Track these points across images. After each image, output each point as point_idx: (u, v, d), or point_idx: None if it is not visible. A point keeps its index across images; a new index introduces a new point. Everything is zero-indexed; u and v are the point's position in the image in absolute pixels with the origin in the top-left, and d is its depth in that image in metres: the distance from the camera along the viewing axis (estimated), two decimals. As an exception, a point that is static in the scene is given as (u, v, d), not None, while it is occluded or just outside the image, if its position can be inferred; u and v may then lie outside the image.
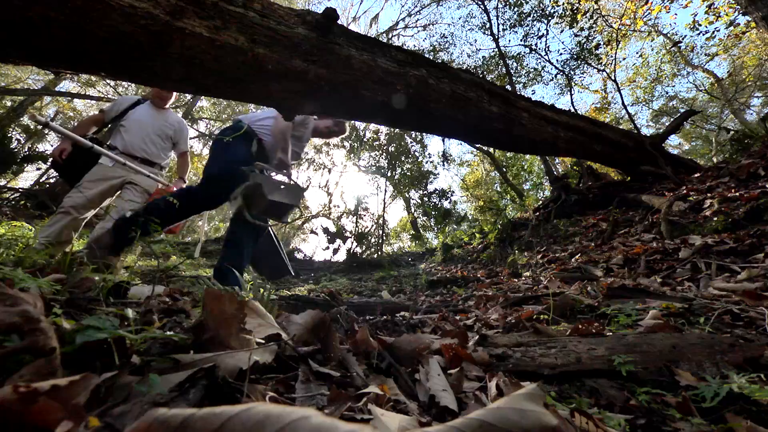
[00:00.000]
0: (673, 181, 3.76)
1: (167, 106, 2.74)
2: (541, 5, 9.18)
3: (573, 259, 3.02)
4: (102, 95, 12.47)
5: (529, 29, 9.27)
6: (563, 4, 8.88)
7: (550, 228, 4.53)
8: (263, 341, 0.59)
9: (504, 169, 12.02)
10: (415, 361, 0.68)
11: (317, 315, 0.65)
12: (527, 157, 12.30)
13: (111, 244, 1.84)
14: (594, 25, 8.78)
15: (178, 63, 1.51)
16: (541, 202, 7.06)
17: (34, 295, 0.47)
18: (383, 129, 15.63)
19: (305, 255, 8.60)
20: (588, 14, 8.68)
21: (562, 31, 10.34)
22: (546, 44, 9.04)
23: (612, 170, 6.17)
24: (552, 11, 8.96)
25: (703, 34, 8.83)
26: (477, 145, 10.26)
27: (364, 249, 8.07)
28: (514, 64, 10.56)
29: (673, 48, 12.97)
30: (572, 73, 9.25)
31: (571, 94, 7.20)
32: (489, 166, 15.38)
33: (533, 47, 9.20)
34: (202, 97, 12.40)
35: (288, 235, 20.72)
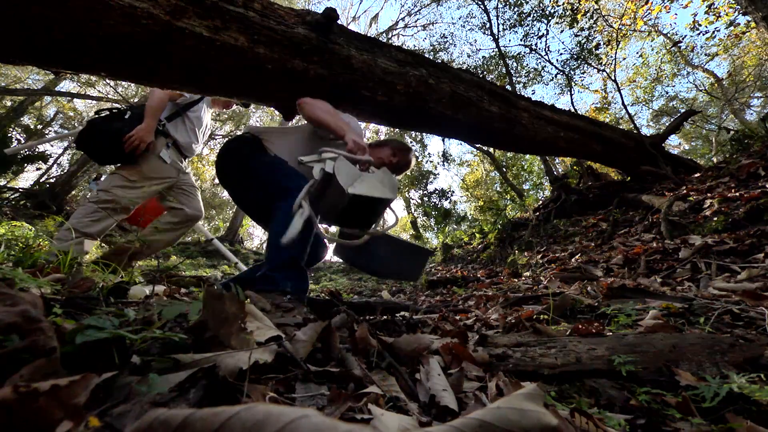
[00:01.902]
0: (673, 181, 3.76)
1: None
2: (541, 5, 9.18)
3: (573, 259, 3.02)
4: (102, 95, 12.48)
5: (529, 29, 9.27)
6: (563, 4, 8.89)
7: (550, 228, 4.53)
8: (263, 342, 0.59)
9: (504, 169, 12.03)
10: (416, 361, 0.68)
11: (319, 326, 0.65)
12: (527, 157, 12.31)
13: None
14: (594, 25, 8.78)
15: (178, 63, 1.51)
16: (541, 202, 7.06)
17: (34, 295, 0.47)
18: (383, 129, 15.66)
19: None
20: (588, 14, 8.68)
21: (562, 31, 10.36)
22: (546, 44, 9.05)
23: (612, 170, 6.17)
24: (552, 11, 8.96)
25: (703, 34, 8.84)
26: (477, 145, 10.26)
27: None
28: (514, 64, 10.57)
29: (673, 48, 12.98)
30: (572, 73, 9.24)
31: (571, 94, 7.21)
32: (489, 166, 15.39)
33: (533, 47, 9.20)
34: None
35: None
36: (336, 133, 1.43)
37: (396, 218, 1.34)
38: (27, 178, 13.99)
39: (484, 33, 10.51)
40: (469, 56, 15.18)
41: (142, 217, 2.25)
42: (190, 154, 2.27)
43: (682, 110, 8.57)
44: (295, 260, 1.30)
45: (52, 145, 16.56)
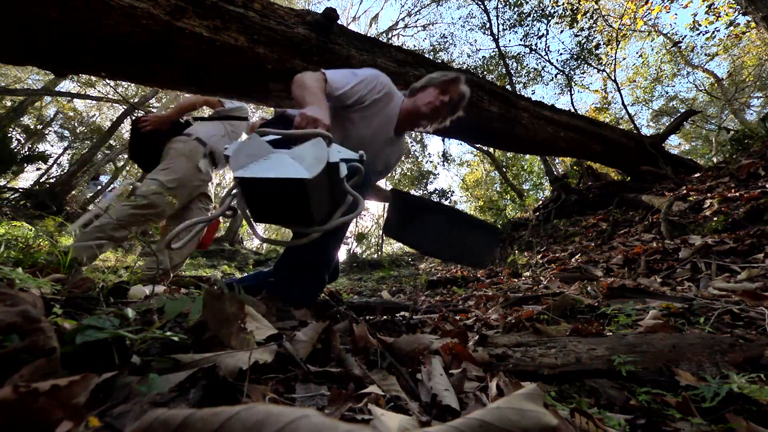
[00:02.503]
0: (673, 181, 3.76)
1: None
2: (541, 5, 9.19)
3: (573, 259, 3.02)
4: (102, 95, 12.48)
5: (529, 29, 9.28)
6: (563, 4, 8.89)
7: (550, 228, 4.53)
8: (263, 341, 0.59)
9: (504, 169, 12.03)
10: (416, 361, 0.68)
11: (320, 327, 0.65)
12: (527, 157, 12.31)
13: None
14: (594, 25, 8.79)
15: (178, 63, 1.51)
16: (541, 202, 7.06)
17: (34, 295, 0.47)
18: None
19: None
20: (588, 14, 8.69)
21: (562, 31, 10.36)
22: (546, 44, 9.06)
23: (612, 170, 6.17)
24: (552, 11, 8.97)
25: (703, 34, 8.84)
26: (477, 145, 10.27)
27: (364, 249, 8.06)
28: (514, 64, 10.57)
29: (673, 48, 12.98)
30: (572, 73, 9.25)
31: (571, 94, 7.21)
32: (489, 166, 15.39)
33: (533, 47, 9.21)
34: (202, 97, 12.42)
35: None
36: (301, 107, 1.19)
37: (357, 205, 0.91)
38: (27, 178, 14.00)
39: (484, 33, 10.52)
40: (469, 56, 15.19)
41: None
42: (222, 166, 2.21)
43: (682, 110, 8.58)
44: (308, 264, 1.18)
45: (52, 145, 16.58)
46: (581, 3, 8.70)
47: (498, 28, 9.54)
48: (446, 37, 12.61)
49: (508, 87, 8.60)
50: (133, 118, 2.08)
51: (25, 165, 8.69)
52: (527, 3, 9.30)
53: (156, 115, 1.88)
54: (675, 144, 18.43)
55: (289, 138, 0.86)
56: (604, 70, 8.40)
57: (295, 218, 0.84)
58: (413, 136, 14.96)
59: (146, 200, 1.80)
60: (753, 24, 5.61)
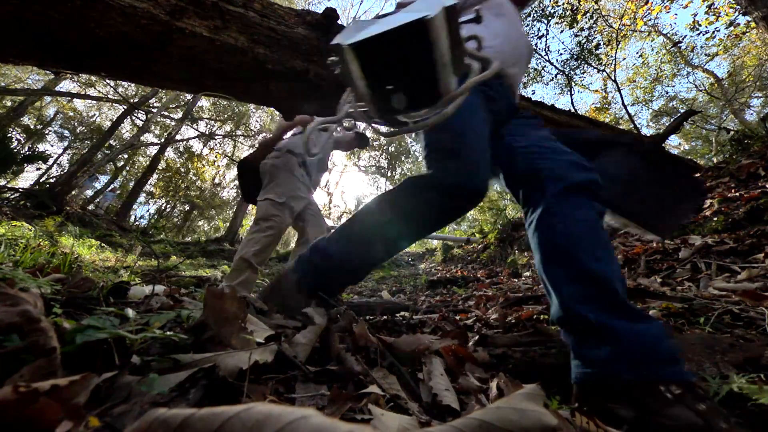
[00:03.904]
0: (673, 181, 3.75)
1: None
2: (541, 5, 9.18)
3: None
4: (102, 95, 12.48)
5: (529, 29, 9.27)
6: (563, 4, 8.89)
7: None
8: (263, 341, 0.59)
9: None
10: (416, 361, 0.68)
11: (319, 329, 0.65)
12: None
13: None
14: (594, 25, 8.78)
15: (178, 63, 1.51)
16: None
17: (34, 295, 0.47)
18: (383, 129, 15.61)
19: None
20: (588, 14, 8.68)
21: (562, 31, 10.34)
22: (546, 44, 9.05)
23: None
24: (552, 11, 8.96)
25: (703, 34, 8.83)
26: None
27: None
28: (514, 64, 10.54)
29: (673, 48, 12.97)
30: (572, 73, 9.25)
31: (571, 94, 7.21)
32: (489, 166, 15.36)
33: (533, 47, 9.20)
34: (202, 96, 12.43)
35: (287, 235, 20.72)
36: None
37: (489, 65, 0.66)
38: (27, 178, 14.01)
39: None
40: (469, 56, 15.15)
41: None
42: (313, 173, 2.23)
43: (682, 110, 8.58)
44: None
45: (52, 145, 16.58)
46: (581, 3, 8.70)
47: (498, 28, 9.51)
48: (446, 37, 12.59)
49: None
50: (238, 161, 2.19)
51: (25, 165, 8.68)
52: (527, 3, 9.28)
53: (262, 144, 2.02)
54: (675, 144, 18.43)
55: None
56: (604, 70, 8.41)
57: (418, 91, 0.62)
58: (413, 136, 14.95)
59: (268, 222, 1.88)
60: (753, 24, 5.61)
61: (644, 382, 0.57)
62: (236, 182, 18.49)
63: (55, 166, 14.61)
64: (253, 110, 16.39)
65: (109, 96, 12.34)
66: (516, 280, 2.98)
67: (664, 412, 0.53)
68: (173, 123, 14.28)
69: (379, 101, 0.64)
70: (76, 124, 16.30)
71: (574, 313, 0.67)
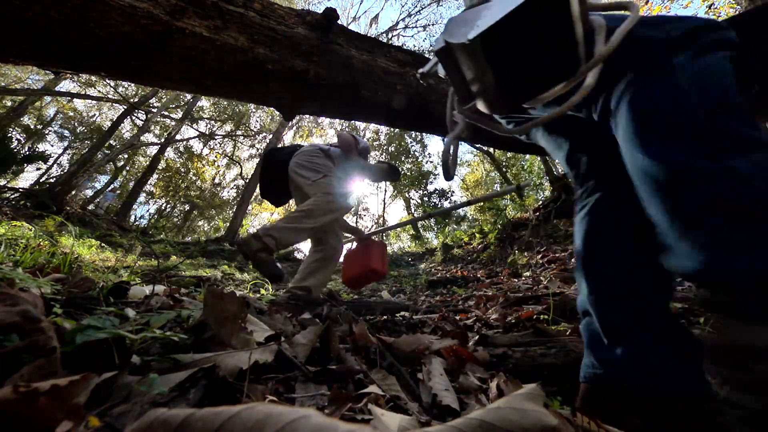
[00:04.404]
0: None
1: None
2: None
3: (573, 259, 3.02)
4: (102, 95, 12.49)
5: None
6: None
7: (550, 228, 4.53)
8: (263, 341, 0.59)
9: (504, 169, 12.03)
10: (417, 361, 0.68)
11: (319, 329, 0.65)
12: (527, 157, 12.31)
13: None
14: (594, 25, 8.77)
15: (178, 63, 1.51)
16: (541, 202, 7.06)
17: (34, 295, 0.47)
18: (383, 129, 15.66)
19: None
20: (588, 14, 8.67)
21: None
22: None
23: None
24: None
25: (703, 34, 8.83)
26: (477, 145, 10.26)
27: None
28: (514, 64, 10.54)
29: (673, 48, 12.96)
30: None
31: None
32: (489, 166, 15.39)
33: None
34: (202, 97, 12.42)
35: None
36: None
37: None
38: (27, 178, 14.01)
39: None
40: (469, 56, 15.14)
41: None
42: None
43: (682, 110, 8.53)
44: None
45: (52, 145, 16.59)
46: (581, 3, 8.69)
47: (498, 28, 9.51)
48: (446, 37, 12.59)
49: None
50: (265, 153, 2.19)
51: (25, 165, 8.69)
52: (527, 3, 9.27)
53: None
54: (675, 144, 18.39)
55: None
56: (604, 70, 8.38)
57: (556, 67, 0.52)
58: (413, 136, 14.95)
59: (329, 199, 1.85)
60: (753, 24, 5.61)
61: (659, 394, 0.54)
62: (236, 182, 18.51)
63: (55, 166, 14.62)
64: (253, 110, 16.40)
65: (109, 96, 12.34)
66: (516, 280, 2.98)
67: (674, 427, 0.52)
68: (173, 123, 14.29)
69: (506, 93, 0.56)
70: (76, 124, 16.30)
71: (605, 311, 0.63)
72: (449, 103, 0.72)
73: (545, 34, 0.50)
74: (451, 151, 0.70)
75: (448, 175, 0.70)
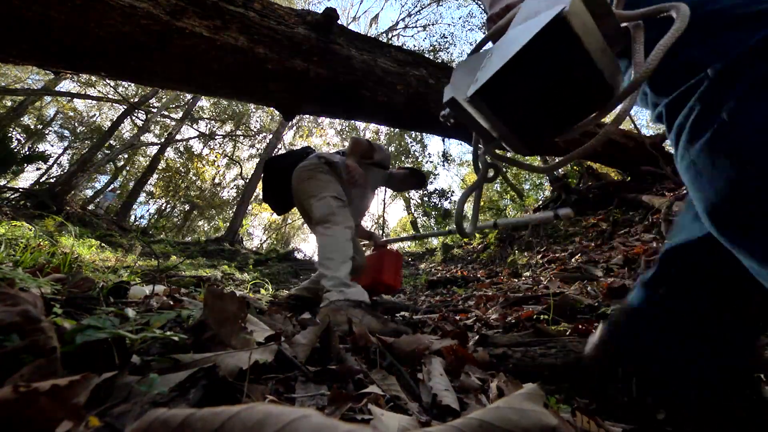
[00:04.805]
0: (673, 181, 3.76)
1: None
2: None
3: (573, 259, 3.02)
4: (102, 95, 12.49)
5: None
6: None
7: (550, 228, 4.53)
8: (263, 341, 0.59)
9: (504, 169, 12.02)
10: (417, 361, 0.68)
11: (319, 329, 0.65)
12: (527, 157, 12.30)
13: None
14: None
15: (178, 63, 1.51)
16: (541, 202, 7.06)
17: (34, 295, 0.47)
18: (383, 129, 15.67)
19: (305, 255, 8.61)
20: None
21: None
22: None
23: (612, 170, 6.17)
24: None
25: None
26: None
27: (363, 248, 8.07)
28: (514, 64, 10.55)
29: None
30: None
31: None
32: (489, 166, 15.36)
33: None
34: (202, 97, 12.43)
35: (288, 234, 20.73)
36: None
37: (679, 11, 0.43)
38: (27, 178, 14.01)
39: (484, 33, 10.52)
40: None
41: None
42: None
43: (682, 110, 8.54)
44: None
45: (52, 145, 16.59)
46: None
47: (498, 28, 9.53)
48: (446, 37, 12.63)
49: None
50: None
51: (25, 165, 8.69)
52: (527, 3, 9.28)
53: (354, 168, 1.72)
54: (675, 144, 18.38)
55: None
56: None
57: (584, 96, 0.46)
58: (413, 136, 14.96)
59: (334, 216, 1.61)
60: (753, 24, 5.60)
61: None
62: (236, 182, 18.46)
63: (55, 166, 14.63)
64: (253, 110, 16.39)
65: (109, 96, 12.34)
66: (516, 280, 2.98)
67: None
68: (173, 123, 14.30)
69: (525, 139, 0.53)
70: (76, 124, 16.31)
71: None
72: (474, 143, 0.68)
73: (559, 73, 0.44)
74: (473, 206, 0.66)
75: (465, 234, 0.66)
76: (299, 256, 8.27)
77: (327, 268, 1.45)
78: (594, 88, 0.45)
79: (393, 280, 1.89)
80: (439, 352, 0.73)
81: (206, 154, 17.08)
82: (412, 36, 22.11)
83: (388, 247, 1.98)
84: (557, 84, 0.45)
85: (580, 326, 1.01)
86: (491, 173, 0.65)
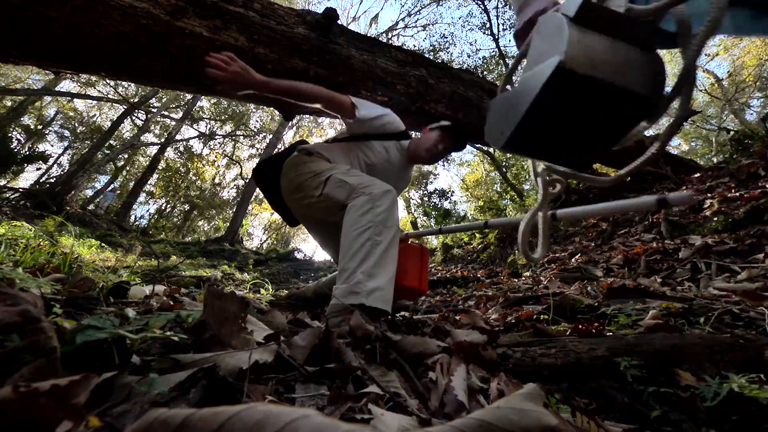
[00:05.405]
0: (673, 181, 3.76)
1: None
2: (541, 5, 9.17)
3: (573, 259, 3.02)
4: (102, 95, 12.49)
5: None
6: (563, 4, 8.87)
7: (549, 228, 4.53)
8: (263, 341, 0.59)
9: (504, 169, 12.02)
10: (420, 362, 0.68)
11: (318, 331, 0.65)
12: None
13: None
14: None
15: (178, 63, 1.51)
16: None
17: (34, 295, 0.47)
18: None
19: (305, 255, 8.61)
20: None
21: (562, 31, 10.29)
22: (546, 44, 9.03)
23: (612, 170, 6.17)
24: (552, 11, 8.95)
25: (703, 34, 8.81)
26: (477, 145, 10.26)
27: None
28: (514, 64, 10.54)
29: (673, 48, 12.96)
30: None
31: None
32: (489, 166, 15.37)
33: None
34: (202, 96, 12.41)
35: (288, 234, 20.72)
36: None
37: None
38: (27, 178, 14.01)
39: (484, 33, 10.54)
40: (469, 56, 15.17)
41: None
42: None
43: (682, 110, 8.53)
44: None
45: (52, 145, 16.58)
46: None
47: (498, 28, 9.56)
48: (446, 37, 12.61)
49: (508, 87, 8.56)
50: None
51: (25, 165, 8.69)
52: (527, 3, 9.27)
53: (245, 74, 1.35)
54: (675, 144, 18.42)
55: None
56: (604, 70, 8.37)
57: (621, 112, 0.44)
58: (413, 136, 14.93)
59: (360, 178, 1.37)
60: (753, 24, 5.60)
61: None
62: (236, 182, 18.42)
63: (55, 166, 14.62)
64: (253, 110, 16.39)
65: (109, 96, 12.34)
66: (516, 280, 2.98)
67: None
68: (173, 123, 14.29)
69: (572, 164, 0.53)
70: (76, 124, 16.30)
71: None
72: (532, 163, 0.68)
73: (580, 107, 0.43)
74: (540, 226, 0.64)
75: (533, 260, 0.65)
76: (299, 256, 8.27)
77: (375, 248, 1.15)
78: (626, 105, 0.42)
79: (418, 283, 1.49)
80: (449, 351, 0.72)
81: (206, 154, 17.08)
82: (412, 36, 22.11)
83: (410, 242, 1.60)
84: (585, 114, 0.44)
85: (580, 326, 1.01)
86: (554, 188, 0.65)
